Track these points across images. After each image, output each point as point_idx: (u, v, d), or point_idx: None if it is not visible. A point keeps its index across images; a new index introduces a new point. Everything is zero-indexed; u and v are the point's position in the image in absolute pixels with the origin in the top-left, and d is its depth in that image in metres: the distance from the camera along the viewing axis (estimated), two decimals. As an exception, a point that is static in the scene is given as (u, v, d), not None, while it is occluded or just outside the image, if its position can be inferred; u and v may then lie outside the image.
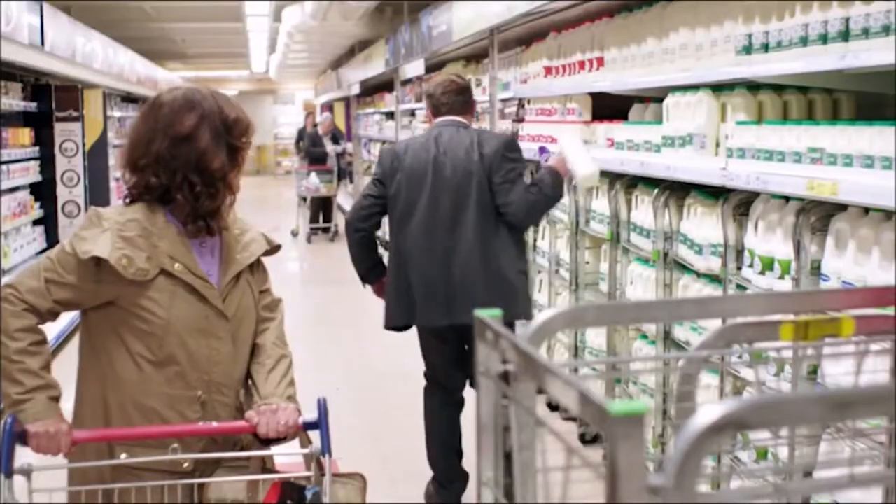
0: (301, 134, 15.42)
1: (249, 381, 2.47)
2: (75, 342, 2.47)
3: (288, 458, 2.45)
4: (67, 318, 7.86)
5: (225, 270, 2.41)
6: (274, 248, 2.55)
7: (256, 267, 2.51)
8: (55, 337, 7.21)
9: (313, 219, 13.66)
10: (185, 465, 2.30)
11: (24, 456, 2.15)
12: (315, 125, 14.76)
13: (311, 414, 2.32)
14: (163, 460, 2.26)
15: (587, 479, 1.06)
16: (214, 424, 2.32)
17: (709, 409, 0.88)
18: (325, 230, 13.77)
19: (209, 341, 2.35)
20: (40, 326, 2.28)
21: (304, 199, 13.67)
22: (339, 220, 14.31)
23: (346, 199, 15.32)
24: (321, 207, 13.71)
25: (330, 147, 13.81)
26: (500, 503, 1.21)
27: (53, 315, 2.29)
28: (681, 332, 3.91)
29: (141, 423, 2.30)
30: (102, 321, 2.32)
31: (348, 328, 7.68)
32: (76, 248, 2.25)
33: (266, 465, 2.37)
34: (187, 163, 2.32)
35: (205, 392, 2.35)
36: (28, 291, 2.24)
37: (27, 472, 2.11)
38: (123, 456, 2.28)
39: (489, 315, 1.19)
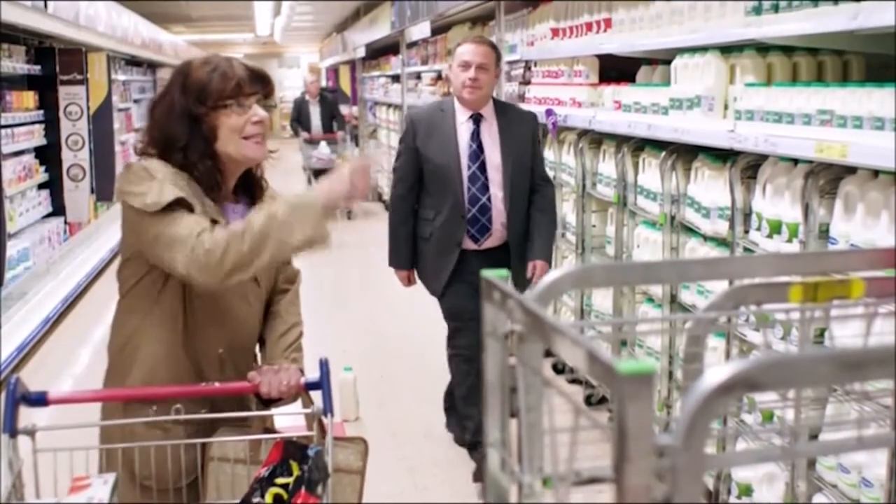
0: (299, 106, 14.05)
1: (258, 347, 2.49)
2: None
3: (288, 420, 2.46)
4: (77, 280, 7.86)
5: None
6: None
7: None
8: (61, 300, 7.23)
9: None
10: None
11: (28, 416, 2.16)
12: (303, 93, 13.32)
13: (313, 374, 2.33)
14: (166, 420, 2.25)
15: (594, 440, 1.06)
16: (217, 385, 2.32)
17: (718, 368, 0.87)
18: None
19: (243, 305, 2.38)
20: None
21: (304, 170, 12.85)
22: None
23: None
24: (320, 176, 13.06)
25: (316, 116, 12.74)
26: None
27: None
28: (687, 296, 3.90)
29: (165, 380, 2.30)
30: (145, 276, 2.29)
31: (356, 293, 7.69)
32: (134, 203, 2.17)
33: (267, 426, 2.38)
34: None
35: (228, 353, 2.37)
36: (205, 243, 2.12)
37: (31, 433, 2.12)
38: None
39: (496, 275, 1.18)
